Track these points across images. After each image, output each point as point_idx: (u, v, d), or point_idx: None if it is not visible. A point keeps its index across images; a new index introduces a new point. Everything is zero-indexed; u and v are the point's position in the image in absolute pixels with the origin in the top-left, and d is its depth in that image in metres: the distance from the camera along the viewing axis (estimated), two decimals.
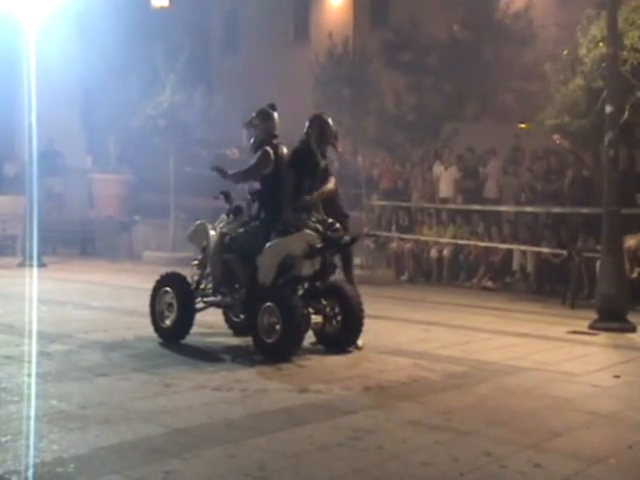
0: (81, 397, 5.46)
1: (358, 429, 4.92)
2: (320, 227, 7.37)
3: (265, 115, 7.73)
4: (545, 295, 13.02)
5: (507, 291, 13.76)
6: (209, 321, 8.20)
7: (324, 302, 7.51)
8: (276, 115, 7.75)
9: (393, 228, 16.48)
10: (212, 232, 7.77)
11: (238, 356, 7.10)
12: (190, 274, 7.92)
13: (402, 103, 19.59)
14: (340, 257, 7.92)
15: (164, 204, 18.49)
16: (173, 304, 7.66)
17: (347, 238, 7.64)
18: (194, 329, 7.72)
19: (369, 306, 8.01)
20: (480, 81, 20.51)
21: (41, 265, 14.90)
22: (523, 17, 20.78)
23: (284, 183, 7.47)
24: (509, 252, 14.17)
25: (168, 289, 7.74)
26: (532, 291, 13.45)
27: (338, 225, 7.53)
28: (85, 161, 23.62)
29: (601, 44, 10.85)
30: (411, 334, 8.78)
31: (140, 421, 4.93)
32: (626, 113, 10.25)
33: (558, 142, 13.66)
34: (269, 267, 7.20)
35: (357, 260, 13.23)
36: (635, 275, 11.20)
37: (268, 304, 7.00)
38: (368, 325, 7.73)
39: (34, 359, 6.66)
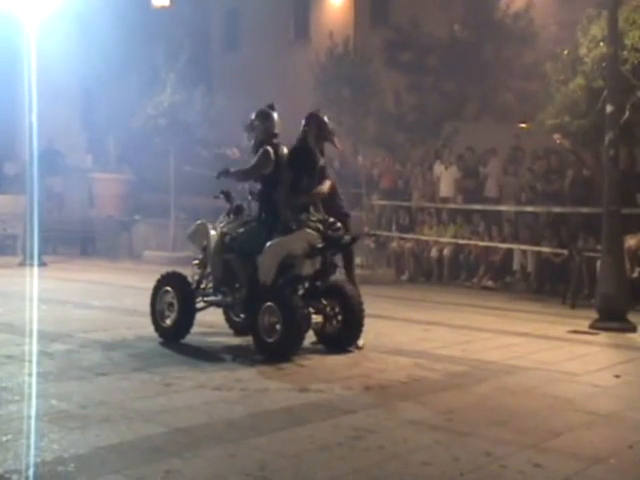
0: (81, 396, 5.46)
1: (358, 429, 4.92)
2: (321, 226, 7.37)
3: (264, 115, 7.74)
4: (545, 295, 13.03)
5: (507, 291, 13.76)
6: (209, 321, 8.20)
7: (324, 302, 7.51)
8: (275, 115, 7.75)
9: (393, 228, 16.49)
10: (212, 232, 7.77)
11: (238, 356, 7.10)
12: (190, 274, 7.92)
13: (402, 103, 19.58)
14: (342, 257, 7.92)
15: (164, 204, 18.50)
16: (174, 304, 7.66)
17: (347, 238, 7.64)
18: (194, 329, 7.72)
19: (369, 306, 8.01)
20: (480, 81, 20.52)
21: (41, 264, 14.91)
22: (523, 17, 20.78)
23: (283, 183, 7.47)
24: (509, 252, 14.17)
25: (169, 289, 7.74)
26: (532, 291, 13.45)
27: (339, 224, 7.52)
28: (85, 161, 23.61)
29: (601, 44, 10.85)
30: (411, 334, 8.78)
31: (140, 420, 4.93)
32: (626, 113, 10.25)
33: (559, 142, 13.67)
34: (269, 267, 7.20)
35: (357, 260, 13.22)
36: (635, 275, 11.21)
37: (269, 304, 7.00)
38: (368, 325, 7.74)
39: (34, 358, 6.66)
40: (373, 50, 20.44)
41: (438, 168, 16.29)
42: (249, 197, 7.90)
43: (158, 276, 7.97)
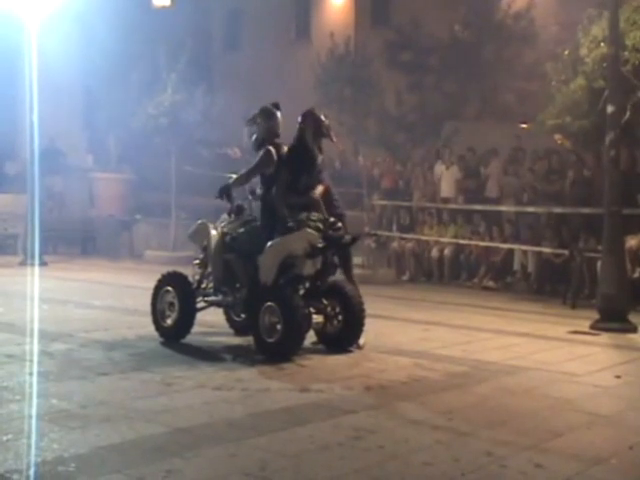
0: (82, 396, 5.46)
1: (359, 429, 4.93)
2: (321, 226, 7.36)
3: (268, 114, 7.70)
4: (546, 295, 13.02)
5: (508, 291, 13.75)
6: (210, 320, 8.20)
7: (325, 302, 7.51)
8: (279, 114, 7.73)
9: (394, 228, 16.48)
10: (213, 231, 7.77)
11: (239, 355, 7.10)
12: (191, 273, 7.92)
13: (403, 103, 19.58)
14: (338, 257, 7.85)
15: (165, 203, 18.51)
16: (174, 303, 7.66)
17: (348, 237, 7.63)
18: (195, 328, 7.72)
19: (370, 306, 8.01)
20: (481, 81, 20.53)
21: (42, 264, 14.91)
22: (524, 17, 20.79)
23: (280, 182, 7.46)
24: (510, 252, 14.16)
25: (169, 288, 7.75)
26: (533, 291, 13.44)
27: (340, 224, 7.52)
28: (86, 160, 23.60)
29: (602, 44, 10.85)
30: (412, 334, 8.78)
31: (141, 420, 4.93)
32: (627, 113, 10.25)
33: (559, 142, 13.67)
34: (270, 266, 7.19)
35: (358, 260, 13.25)
36: (636, 275, 11.20)
37: (269, 304, 7.00)
38: (369, 325, 7.74)
39: (35, 358, 6.66)
40: (374, 50, 20.45)
41: (439, 168, 16.29)
42: (250, 197, 7.89)
43: (159, 276, 7.97)
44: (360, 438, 4.75)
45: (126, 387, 5.80)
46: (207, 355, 7.20)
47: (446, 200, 15.91)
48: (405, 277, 15.60)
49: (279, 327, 6.91)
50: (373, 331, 8.00)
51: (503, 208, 14.64)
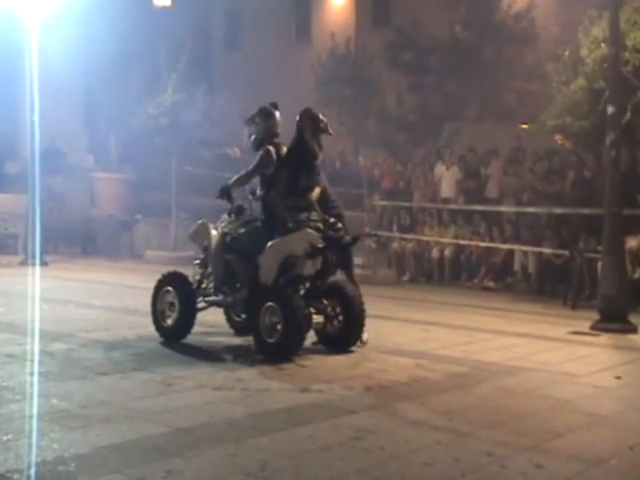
0: (82, 396, 5.46)
1: (359, 429, 4.93)
2: (321, 226, 7.36)
3: (266, 114, 7.71)
4: (546, 295, 13.02)
5: (508, 291, 13.76)
6: (210, 320, 8.20)
7: (325, 302, 7.51)
8: (278, 114, 7.73)
9: (394, 228, 16.48)
10: (214, 232, 7.76)
11: (239, 356, 7.10)
12: (191, 273, 7.92)
13: (404, 103, 19.59)
14: (339, 257, 7.83)
15: (166, 203, 18.52)
16: (174, 303, 7.66)
17: (348, 238, 7.63)
18: (195, 328, 7.72)
19: (370, 306, 8.01)
20: (482, 81, 20.54)
21: (43, 264, 14.92)
22: (525, 17, 20.80)
23: (279, 182, 7.46)
24: (510, 252, 14.17)
25: (170, 288, 7.74)
26: (533, 291, 13.45)
27: (340, 225, 7.53)
28: (87, 160, 23.62)
29: (603, 45, 10.85)
30: (412, 334, 8.78)
31: (141, 420, 4.93)
32: (628, 114, 10.26)
33: (560, 143, 13.67)
34: (270, 267, 7.19)
35: (358, 260, 13.24)
36: (637, 276, 11.20)
37: (269, 304, 7.00)
38: (369, 325, 7.75)
39: (36, 358, 6.65)
40: (374, 50, 20.46)
41: (439, 169, 16.29)
42: (250, 197, 7.89)
43: (159, 276, 7.97)
44: (360, 438, 4.75)
45: (126, 387, 5.80)
46: (207, 355, 7.20)
47: (446, 200, 15.91)
48: (405, 277, 15.61)
49: (279, 327, 6.91)
50: (373, 331, 8.00)
51: (503, 208, 14.64)
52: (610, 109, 9.49)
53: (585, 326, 9.49)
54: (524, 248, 13.83)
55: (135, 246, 19.31)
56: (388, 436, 4.85)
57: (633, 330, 9.33)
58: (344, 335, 7.51)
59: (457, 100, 20.76)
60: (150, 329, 7.82)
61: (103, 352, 7.06)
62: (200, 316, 7.80)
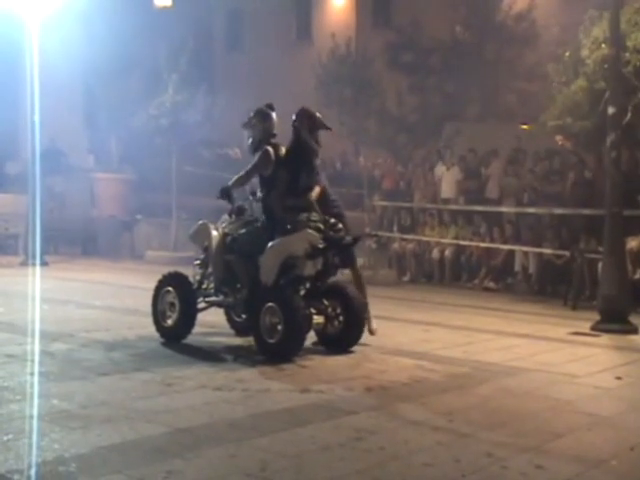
0: (83, 396, 5.46)
1: (360, 429, 4.92)
2: (322, 227, 7.36)
3: (263, 115, 7.73)
4: (547, 296, 13.02)
5: (509, 292, 13.76)
6: (211, 321, 8.20)
7: (326, 302, 7.51)
8: (274, 115, 7.75)
9: (395, 228, 16.48)
10: (214, 232, 7.77)
11: (240, 356, 7.10)
12: (192, 274, 7.92)
13: (404, 103, 19.62)
14: (342, 258, 7.83)
15: (166, 203, 18.53)
16: (175, 304, 7.66)
17: (349, 238, 7.64)
18: (196, 329, 7.72)
19: (371, 306, 8.03)
20: (482, 82, 20.55)
21: (43, 264, 14.92)
22: (525, 18, 20.82)
23: (279, 182, 7.47)
24: (511, 253, 14.17)
25: (170, 289, 7.74)
26: (534, 292, 13.45)
27: (341, 225, 7.53)
28: (87, 160, 23.62)
29: (603, 45, 10.86)
30: (413, 335, 8.78)
31: (142, 421, 4.93)
32: (628, 114, 10.26)
33: (561, 143, 13.67)
34: (271, 267, 7.19)
35: (359, 261, 13.20)
36: (637, 276, 11.20)
37: (270, 304, 6.99)
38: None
39: (36, 358, 6.65)
40: (375, 51, 20.49)
41: (440, 169, 16.30)
42: (250, 198, 7.89)
43: (159, 276, 7.97)
44: (361, 439, 4.75)
45: (127, 387, 5.80)
46: (208, 355, 7.20)
47: (447, 201, 15.92)
48: (406, 278, 15.60)
49: (280, 328, 6.91)
50: (369, 334, 8.00)
51: (504, 209, 14.64)
52: (611, 110, 9.49)
53: (586, 327, 9.48)
54: (524, 249, 13.83)
55: (136, 246, 19.31)
56: (388, 437, 4.84)
57: (633, 331, 9.33)
58: (344, 335, 7.50)
59: (457, 100, 20.77)
60: (150, 329, 7.82)
61: (103, 352, 7.06)
62: (200, 316, 7.80)
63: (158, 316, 7.80)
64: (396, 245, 16.04)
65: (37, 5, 14.93)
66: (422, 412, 5.47)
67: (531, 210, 14.05)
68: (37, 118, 14.96)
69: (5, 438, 4.48)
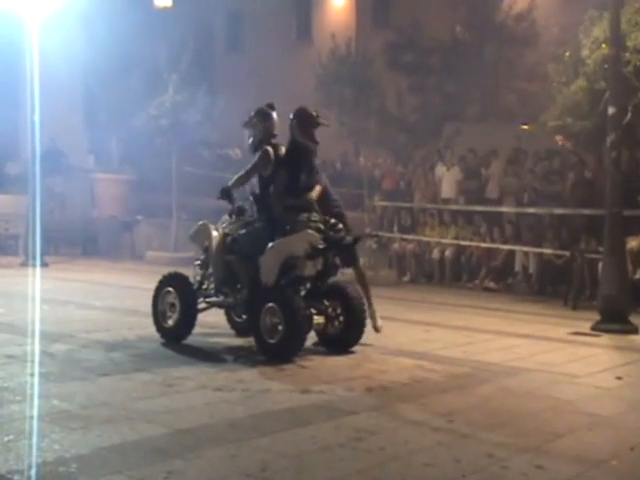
0: (83, 397, 5.46)
1: (360, 430, 4.92)
2: (322, 227, 7.36)
3: (264, 115, 7.73)
4: (547, 296, 13.03)
5: (509, 292, 13.76)
6: (211, 321, 8.20)
7: (326, 303, 7.51)
8: (275, 115, 7.75)
9: (395, 229, 16.49)
10: (214, 232, 7.76)
11: (240, 356, 7.10)
12: (192, 274, 7.92)
13: (404, 104, 19.60)
14: (344, 258, 7.83)
15: (166, 204, 18.52)
16: (175, 304, 7.65)
17: (349, 238, 7.64)
18: (196, 329, 7.72)
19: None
20: (482, 82, 20.57)
21: (43, 265, 14.91)
22: (526, 18, 20.83)
23: (278, 183, 7.47)
24: (511, 253, 14.17)
25: (170, 289, 7.74)
26: (534, 292, 13.45)
27: (341, 225, 7.53)
28: (87, 161, 23.60)
29: (604, 45, 10.87)
30: (413, 335, 8.78)
31: (142, 421, 4.93)
32: (629, 114, 10.27)
33: (561, 143, 13.68)
34: (271, 267, 7.19)
35: (359, 261, 13.22)
36: (637, 276, 11.20)
37: (270, 305, 6.99)
38: (370, 325, 7.75)
39: (36, 359, 6.65)
40: (375, 51, 20.48)
41: (440, 169, 16.30)
42: (251, 198, 7.89)
43: (160, 277, 7.97)
44: (361, 439, 4.75)
45: (127, 388, 5.80)
46: (208, 356, 7.20)
47: (447, 201, 15.92)
48: (406, 278, 15.61)
49: (280, 328, 6.91)
50: (374, 332, 8.00)
51: (504, 209, 14.65)
52: (611, 110, 9.49)
53: (586, 327, 9.49)
54: (525, 249, 13.84)
55: (136, 247, 19.31)
56: (389, 437, 4.84)
57: (634, 331, 9.33)
58: (345, 336, 7.50)
59: (458, 101, 20.78)
60: (151, 330, 7.82)
61: (104, 353, 7.06)
62: (201, 317, 7.80)
63: (158, 316, 7.80)
64: (396, 245, 16.05)
65: (37, 5, 14.92)
66: (422, 412, 5.47)
67: (531, 210, 14.06)
68: (37, 118, 14.95)
69: (5, 439, 4.47)
